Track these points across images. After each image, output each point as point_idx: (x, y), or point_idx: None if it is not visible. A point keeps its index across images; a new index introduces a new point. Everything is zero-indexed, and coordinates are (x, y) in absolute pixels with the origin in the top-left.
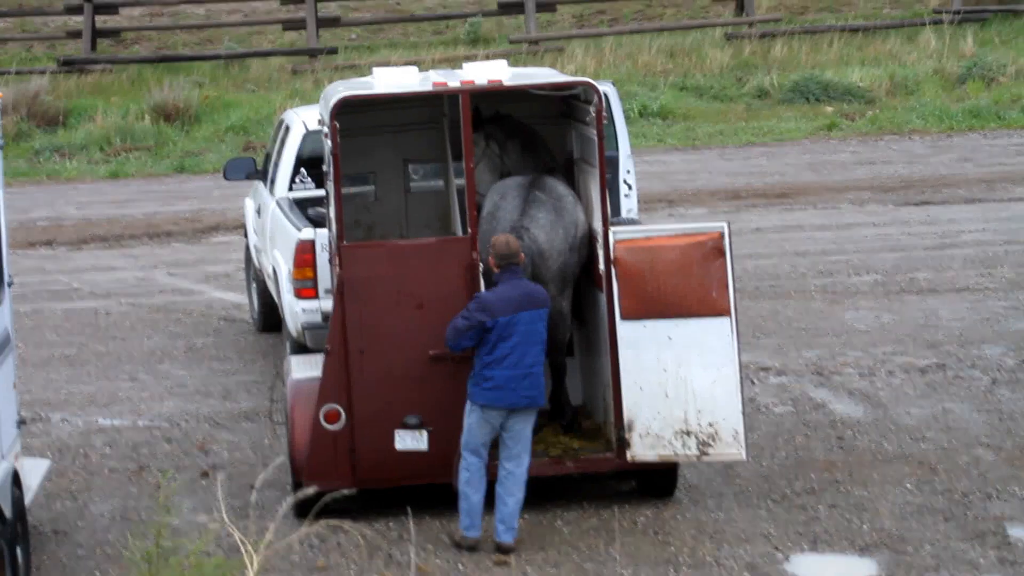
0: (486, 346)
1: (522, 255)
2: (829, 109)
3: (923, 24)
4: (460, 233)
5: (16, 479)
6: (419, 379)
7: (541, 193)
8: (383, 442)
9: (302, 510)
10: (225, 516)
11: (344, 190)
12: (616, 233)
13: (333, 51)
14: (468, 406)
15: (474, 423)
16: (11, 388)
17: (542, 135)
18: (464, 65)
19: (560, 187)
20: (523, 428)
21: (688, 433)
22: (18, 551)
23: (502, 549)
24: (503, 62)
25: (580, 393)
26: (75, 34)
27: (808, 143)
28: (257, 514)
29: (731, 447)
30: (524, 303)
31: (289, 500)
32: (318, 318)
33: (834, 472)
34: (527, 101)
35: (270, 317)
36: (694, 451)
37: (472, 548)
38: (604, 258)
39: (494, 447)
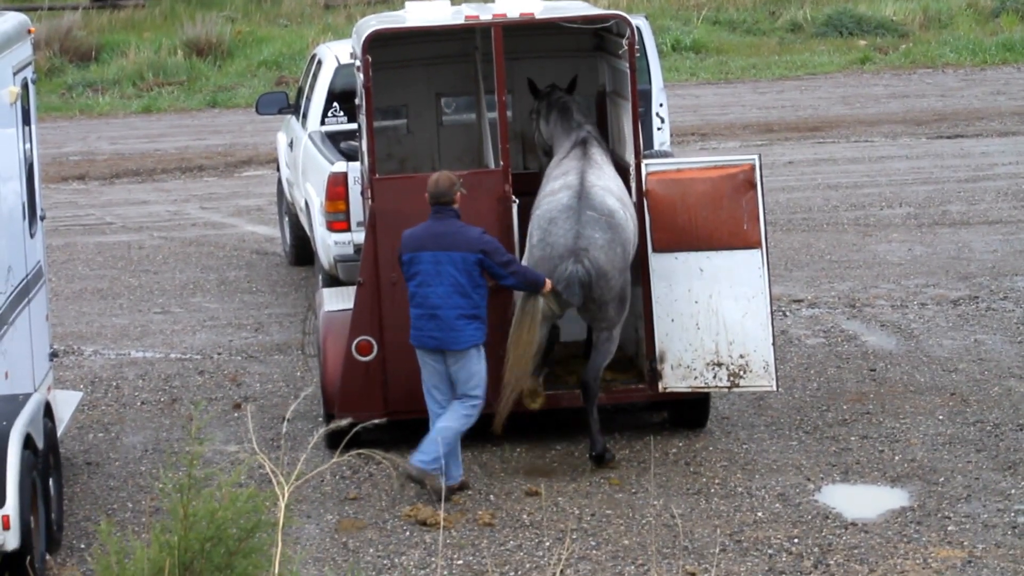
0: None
1: (458, 194)
2: (862, 43)
3: None
4: (492, 166)
5: (48, 411)
6: None
7: (593, 212)
8: (415, 373)
9: (334, 441)
10: (257, 447)
11: (376, 123)
12: (648, 165)
13: None
14: None
15: (419, 363)
16: (44, 321)
17: (578, 104)
18: None
19: (610, 200)
20: (456, 371)
21: (719, 364)
22: (51, 482)
23: (406, 471)
24: None
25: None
26: None
27: (841, 77)
28: (289, 445)
29: (762, 378)
30: (429, 243)
31: (320, 431)
32: (350, 250)
33: (866, 403)
34: (559, 34)
35: (302, 250)
36: (725, 382)
37: (450, 492)
38: (636, 190)
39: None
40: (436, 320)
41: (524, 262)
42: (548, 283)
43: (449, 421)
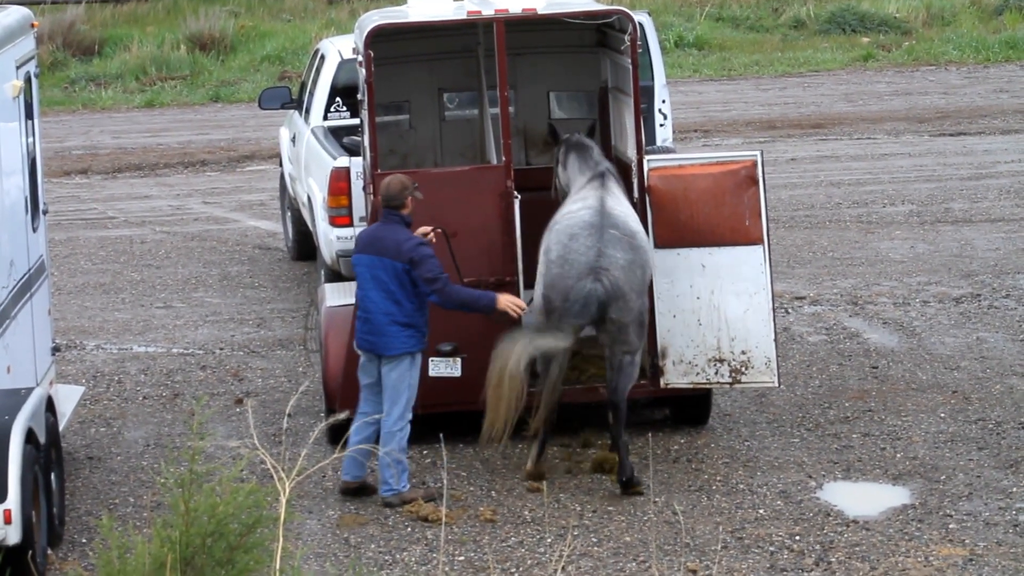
0: None
1: (409, 199)
2: (865, 40)
3: None
4: (494, 161)
5: (50, 405)
6: None
7: (615, 231)
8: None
9: (335, 436)
10: (258, 442)
11: (378, 119)
12: (650, 161)
13: None
14: None
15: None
16: (46, 315)
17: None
18: None
19: (632, 222)
20: (386, 375)
21: (721, 360)
22: (52, 477)
23: (383, 503)
24: None
25: None
26: None
27: (844, 74)
28: (290, 440)
29: (763, 375)
30: (368, 247)
31: (321, 426)
32: (352, 246)
33: (868, 401)
34: (562, 30)
35: (304, 245)
36: (727, 378)
37: (344, 492)
38: (638, 186)
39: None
40: (369, 324)
41: (539, 277)
42: (501, 300)
43: (387, 444)
